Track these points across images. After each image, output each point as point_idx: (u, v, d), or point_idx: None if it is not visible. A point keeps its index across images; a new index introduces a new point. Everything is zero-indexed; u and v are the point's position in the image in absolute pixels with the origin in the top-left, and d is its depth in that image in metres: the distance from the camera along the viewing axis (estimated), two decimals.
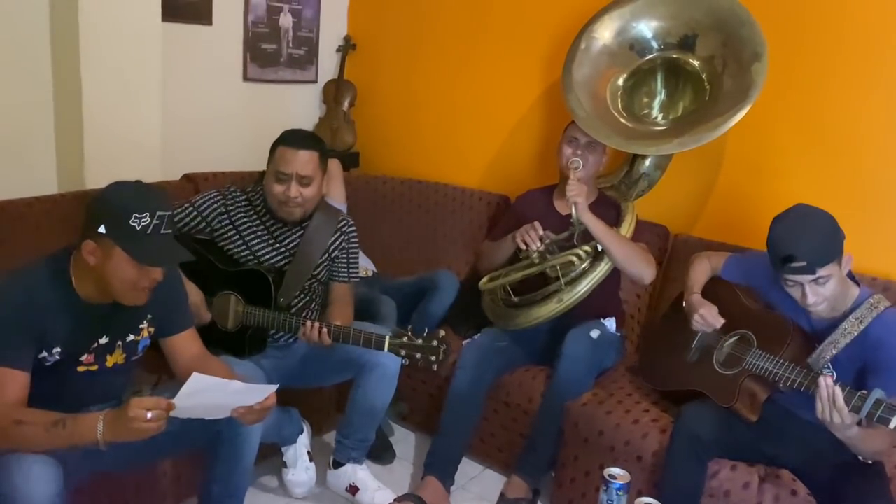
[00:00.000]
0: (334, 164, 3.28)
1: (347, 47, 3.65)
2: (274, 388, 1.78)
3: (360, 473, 2.37)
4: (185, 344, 1.94)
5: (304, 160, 2.25)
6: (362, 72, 3.66)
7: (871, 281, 2.39)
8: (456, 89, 3.43)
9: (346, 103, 3.59)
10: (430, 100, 3.53)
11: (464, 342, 2.64)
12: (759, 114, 2.51)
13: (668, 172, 2.79)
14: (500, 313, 2.64)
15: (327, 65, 3.64)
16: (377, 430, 2.58)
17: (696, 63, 2.58)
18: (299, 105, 3.59)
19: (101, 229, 1.63)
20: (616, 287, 2.70)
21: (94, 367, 1.79)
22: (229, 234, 2.35)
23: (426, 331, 2.13)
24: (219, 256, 2.34)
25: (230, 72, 3.26)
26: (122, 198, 1.66)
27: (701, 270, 2.34)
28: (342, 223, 2.45)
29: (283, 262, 2.36)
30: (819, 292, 1.91)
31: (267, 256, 2.35)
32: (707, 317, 2.17)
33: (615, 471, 1.71)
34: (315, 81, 3.61)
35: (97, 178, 2.46)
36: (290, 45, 3.44)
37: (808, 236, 1.88)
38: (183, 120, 3.05)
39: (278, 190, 2.26)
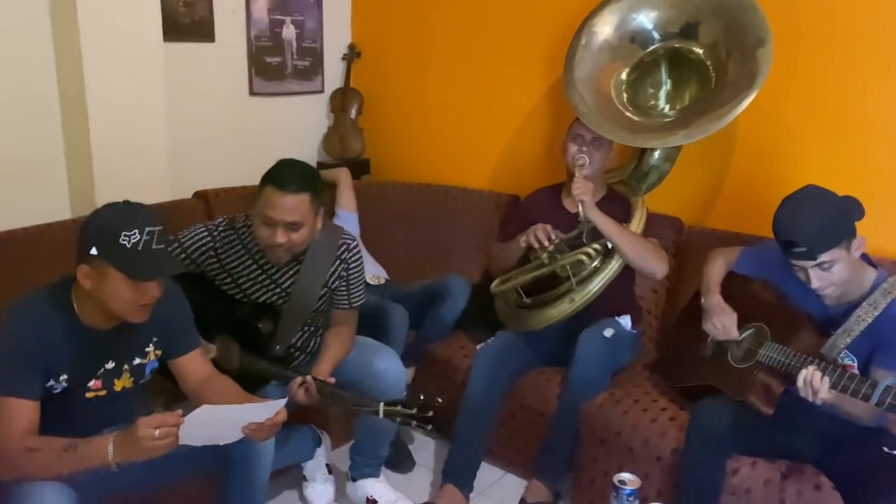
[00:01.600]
0: (344, 174, 3.30)
1: (352, 55, 3.65)
2: (283, 402, 1.78)
3: (376, 486, 2.37)
4: (194, 364, 1.95)
5: (291, 206, 2.05)
6: (368, 79, 3.66)
7: (891, 265, 2.31)
8: (462, 91, 3.41)
9: (353, 111, 3.59)
10: (437, 103, 3.51)
11: (478, 346, 2.62)
12: (767, 99, 2.46)
13: (680, 164, 2.74)
14: (512, 315, 2.62)
15: (333, 74, 3.64)
16: (395, 439, 2.58)
17: (699, 51, 2.52)
18: (307, 116, 3.59)
19: (93, 251, 1.63)
20: (630, 284, 2.66)
21: (103, 393, 1.81)
22: (219, 274, 2.24)
23: (421, 397, 2.02)
24: (213, 295, 2.24)
25: (236, 87, 3.28)
26: (110, 218, 1.66)
27: (717, 267, 2.29)
28: (342, 249, 2.28)
29: (279, 301, 2.25)
30: (824, 277, 1.86)
31: (261, 298, 2.25)
32: (727, 326, 2.12)
33: (625, 476, 1.68)
34: (322, 91, 3.61)
35: (108, 201, 2.49)
36: (295, 56, 3.45)
37: (809, 221, 1.84)
38: (191, 138, 3.07)
39: (265, 234, 2.09)
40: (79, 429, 1.74)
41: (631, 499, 1.65)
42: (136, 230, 1.63)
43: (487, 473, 2.59)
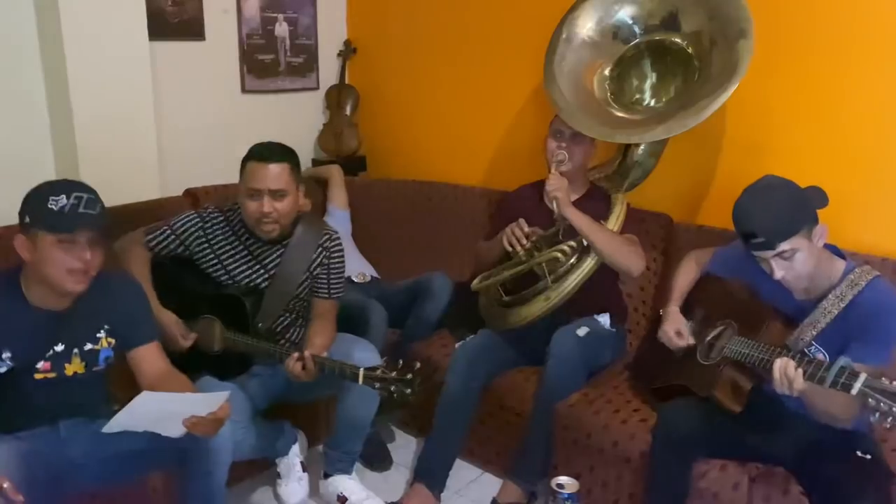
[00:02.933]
0: (336, 170, 3.29)
1: (348, 52, 3.64)
2: (225, 395, 1.78)
3: (348, 483, 2.35)
4: (149, 358, 1.96)
5: (274, 174, 2.17)
6: (364, 75, 3.65)
7: (880, 263, 2.22)
8: (458, 87, 3.38)
9: (348, 108, 3.58)
10: (433, 99, 3.48)
11: (456, 345, 2.59)
12: (754, 94, 2.41)
13: (669, 159, 2.67)
14: (493, 313, 2.58)
15: (328, 71, 3.63)
16: (374, 437, 2.58)
17: (681, 42, 2.45)
18: (302, 113, 3.59)
19: (26, 220, 1.72)
20: (612, 281, 2.59)
21: (53, 375, 1.83)
22: (208, 256, 2.30)
23: (401, 362, 2.03)
24: (198, 278, 2.30)
25: (228, 85, 3.29)
26: (41, 188, 1.75)
27: (687, 273, 2.24)
28: (325, 238, 2.36)
29: (263, 283, 2.30)
30: (786, 266, 1.80)
31: (246, 279, 2.29)
32: (671, 335, 2.11)
33: (563, 480, 1.64)
34: (317, 88, 3.61)
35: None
36: (288, 53, 3.45)
37: (765, 211, 1.79)
38: (183, 136, 3.09)
39: (252, 207, 2.19)
40: (33, 412, 1.79)
41: (569, 503, 1.61)
42: (63, 195, 1.71)
43: (465, 472, 2.56)
